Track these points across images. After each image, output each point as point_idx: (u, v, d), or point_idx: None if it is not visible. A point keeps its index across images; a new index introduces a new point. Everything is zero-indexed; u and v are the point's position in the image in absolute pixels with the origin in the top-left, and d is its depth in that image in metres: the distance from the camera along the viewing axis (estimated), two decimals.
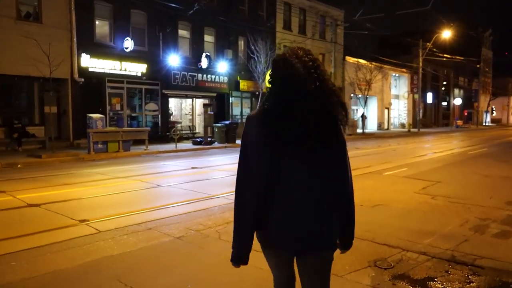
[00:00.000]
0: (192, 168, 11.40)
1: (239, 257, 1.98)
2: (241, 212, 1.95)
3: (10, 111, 16.80)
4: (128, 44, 19.42)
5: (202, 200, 7.12)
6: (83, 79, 18.05)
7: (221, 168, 11.53)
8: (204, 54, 22.96)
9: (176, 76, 22.03)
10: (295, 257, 2.06)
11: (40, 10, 16.96)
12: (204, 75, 23.53)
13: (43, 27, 16.64)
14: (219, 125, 20.81)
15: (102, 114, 18.74)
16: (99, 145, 15.59)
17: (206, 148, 18.67)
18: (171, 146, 18.35)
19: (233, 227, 1.99)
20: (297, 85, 1.85)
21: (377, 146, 20.07)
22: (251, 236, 1.98)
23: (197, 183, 8.86)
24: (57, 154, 14.13)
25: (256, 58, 23.15)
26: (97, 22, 18.99)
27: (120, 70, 19.46)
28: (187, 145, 19.83)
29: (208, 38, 24.10)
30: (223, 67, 24.26)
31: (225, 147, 19.62)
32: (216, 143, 20.39)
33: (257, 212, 1.91)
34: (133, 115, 20.88)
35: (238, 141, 21.10)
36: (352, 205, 2.08)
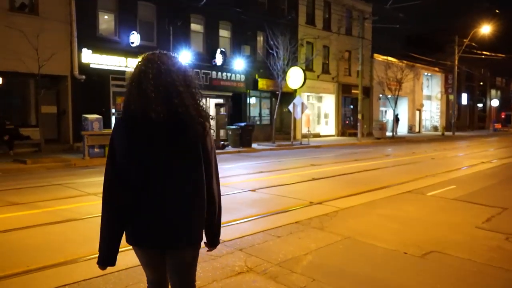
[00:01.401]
0: None
1: (105, 259, 2.03)
2: (106, 214, 2.02)
3: (1, 111, 15.34)
4: (134, 38, 17.72)
5: None
6: (84, 76, 16.44)
7: (232, 180, 9.54)
8: (218, 50, 21.08)
9: None
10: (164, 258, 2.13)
11: (36, 1, 15.43)
12: (219, 73, 21.64)
13: (38, 19, 15.07)
14: (233, 127, 18.86)
15: (106, 115, 17.15)
16: (95, 149, 13.88)
17: (217, 153, 16.69)
18: None
19: (100, 229, 2.03)
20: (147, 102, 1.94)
21: (410, 152, 17.64)
22: (118, 238, 2.04)
23: None
24: (44, 159, 12.47)
25: (275, 55, 21.08)
26: (100, 15, 17.36)
27: (126, 66, 17.76)
28: None
29: (224, 33, 22.19)
30: (239, 64, 22.32)
31: (239, 152, 17.65)
32: (229, 147, 18.45)
33: (122, 214, 2.00)
34: None
35: (255, 145, 19.11)
36: (214, 207, 2.12)
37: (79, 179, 9.71)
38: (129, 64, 17.86)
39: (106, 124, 16.06)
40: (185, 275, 2.15)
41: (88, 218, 5.84)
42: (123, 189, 1.97)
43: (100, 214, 2.02)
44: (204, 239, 2.16)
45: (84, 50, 16.45)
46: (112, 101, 17.81)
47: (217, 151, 15.69)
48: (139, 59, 2.11)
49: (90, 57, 16.65)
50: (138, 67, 2.06)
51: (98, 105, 17.08)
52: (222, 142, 18.02)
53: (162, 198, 1.98)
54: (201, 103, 2.12)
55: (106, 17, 17.69)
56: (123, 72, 17.73)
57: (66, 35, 15.99)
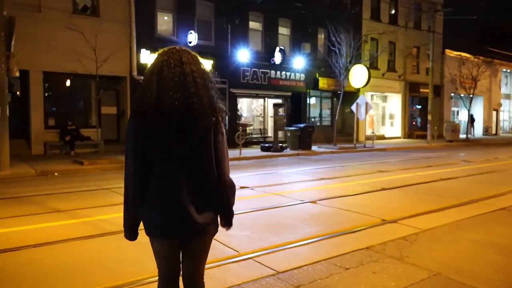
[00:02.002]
0: (242, 187, 8.65)
1: (130, 235, 2.23)
2: (126, 200, 2.15)
3: (64, 112, 15.59)
4: (192, 38, 17.35)
5: (254, 258, 4.30)
6: (142, 77, 16.20)
7: (290, 188, 8.63)
8: (277, 49, 20.21)
9: (246, 73, 19.57)
10: (178, 248, 2.21)
11: (98, 2, 15.51)
12: (278, 72, 20.77)
13: (99, 21, 15.13)
14: (292, 128, 17.90)
15: None
16: None
17: (274, 156, 15.88)
18: (235, 153, 15.85)
19: (123, 212, 2.18)
20: (165, 90, 2.02)
21: (492, 158, 15.62)
22: (136, 223, 2.20)
23: (252, 217, 6.11)
24: (101, 160, 12.32)
25: (337, 52, 19.81)
26: (158, 15, 17.18)
27: None
28: (254, 151, 17.21)
29: (283, 30, 21.29)
30: (299, 62, 21.29)
31: (297, 154, 16.65)
32: (287, 149, 17.51)
33: (137, 202, 2.11)
34: None
35: (314, 148, 18.02)
36: (226, 193, 2.16)
37: None
38: None
39: None
40: (196, 262, 2.24)
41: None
42: (140, 180, 2.07)
43: None
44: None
45: (143, 51, 16.33)
46: None
47: (274, 153, 14.72)
48: (160, 51, 2.17)
49: (148, 58, 16.49)
50: (160, 57, 2.12)
51: None
52: (280, 144, 17.12)
53: (175, 189, 2.05)
54: (216, 97, 2.16)
55: (164, 17, 17.50)
56: None
57: (125, 36, 15.94)
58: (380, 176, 10.35)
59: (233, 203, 2.23)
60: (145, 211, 2.10)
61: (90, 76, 13.55)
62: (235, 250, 4.47)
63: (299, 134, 17.69)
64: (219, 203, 2.16)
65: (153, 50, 16.49)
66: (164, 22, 17.54)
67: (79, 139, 14.76)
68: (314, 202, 7.03)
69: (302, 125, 18.21)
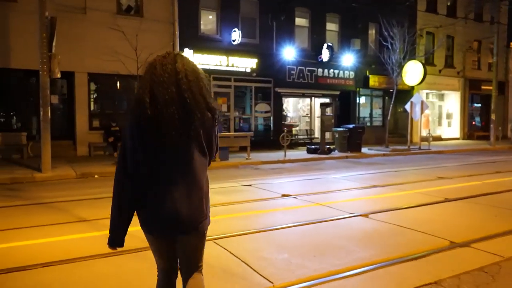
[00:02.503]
0: (284, 195, 7.82)
1: (114, 240, 2.20)
2: (117, 199, 2.16)
3: (109, 113, 15.49)
4: (236, 36, 16.74)
5: None
6: None
7: (337, 197, 7.70)
8: (325, 45, 19.16)
9: (292, 72, 18.70)
10: (172, 244, 2.27)
11: (141, 2, 15.28)
12: (325, 70, 19.71)
13: (143, 21, 14.88)
14: (340, 129, 16.81)
15: None
16: None
17: (321, 159, 14.89)
18: (279, 155, 15.06)
19: (110, 214, 2.17)
20: (160, 92, 2.07)
21: None
22: (127, 221, 2.19)
23: (293, 233, 5.31)
24: None
25: (390, 47, 18.42)
26: (202, 13, 16.72)
27: (227, 66, 16.91)
28: (300, 153, 16.31)
29: (331, 26, 20.18)
30: (348, 59, 20.10)
31: (346, 157, 15.56)
32: (335, 151, 16.45)
33: (131, 199, 2.14)
34: (243, 117, 18.21)
35: (364, 150, 16.84)
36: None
37: None
38: (230, 63, 16.96)
39: None
40: (192, 257, 2.29)
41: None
42: (131, 179, 2.11)
43: None
44: None
45: (186, 50, 15.92)
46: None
47: (321, 156, 13.46)
48: (158, 55, 2.22)
49: (191, 57, 16.02)
50: (155, 58, 2.18)
51: None
52: (328, 146, 16.09)
53: (169, 187, 2.10)
54: (209, 96, 2.17)
55: (208, 15, 17.02)
56: (224, 72, 16.93)
57: (168, 36, 15.60)
58: (441, 184, 9.13)
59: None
60: (140, 208, 2.16)
61: (133, 77, 13.29)
62: (269, 281, 3.67)
63: (348, 135, 16.58)
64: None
65: (196, 49, 16.08)
66: (208, 20, 17.07)
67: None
68: (365, 215, 6.08)
69: (351, 126, 17.07)
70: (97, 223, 5.61)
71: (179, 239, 2.23)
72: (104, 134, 14.66)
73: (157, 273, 2.40)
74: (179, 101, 2.05)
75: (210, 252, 4.37)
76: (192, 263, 2.30)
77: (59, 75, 10.69)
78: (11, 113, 13.71)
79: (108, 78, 15.00)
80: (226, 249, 4.49)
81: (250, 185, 8.68)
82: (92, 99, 15.04)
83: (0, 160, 12.75)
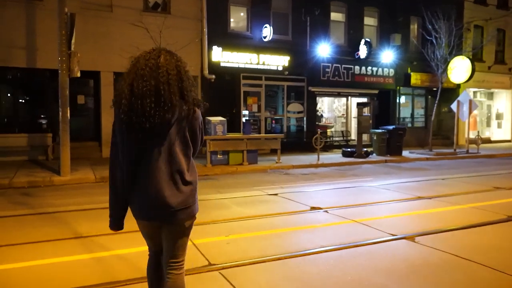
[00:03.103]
0: (313, 208, 6.78)
1: (114, 223, 2.38)
2: (112, 185, 2.32)
3: None
4: (267, 32, 15.81)
5: None
6: (214, 76, 15.16)
7: (374, 212, 6.62)
8: (362, 41, 17.87)
9: (326, 70, 17.55)
10: (159, 229, 2.38)
11: None
12: (363, 68, 18.41)
13: (170, 18, 14.23)
14: (379, 131, 15.51)
15: (237, 116, 15.70)
16: (218, 156, 12.31)
17: (357, 163, 13.70)
18: (312, 158, 14.01)
19: (109, 200, 2.36)
20: (142, 85, 2.18)
21: None
22: (123, 207, 2.36)
23: (321, 263, 4.34)
24: None
25: (434, 41, 16.88)
26: (231, 9, 15.90)
27: (257, 64, 16.01)
28: (335, 156, 15.17)
29: (369, 21, 18.84)
30: (388, 56, 18.69)
31: (385, 161, 14.27)
32: (373, 155, 15.18)
33: (125, 187, 2.28)
34: (275, 117, 17.25)
35: (405, 153, 15.49)
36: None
37: None
38: (261, 61, 16.05)
39: (235, 127, 14.52)
40: (173, 244, 2.36)
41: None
42: (120, 168, 2.25)
43: None
44: None
45: (214, 48, 15.17)
46: (243, 101, 16.23)
47: (357, 160, 12.02)
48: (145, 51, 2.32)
49: (220, 55, 15.31)
50: (141, 53, 2.30)
51: (228, 106, 15.71)
52: (365, 149, 14.85)
53: (152, 175, 2.19)
54: (190, 90, 2.29)
55: (238, 11, 16.19)
56: (255, 70, 16.05)
57: (196, 33, 14.88)
58: (500, 196, 7.80)
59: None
60: (132, 197, 2.29)
61: None
62: None
63: (387, 137, 15.27)
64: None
65: (225, 46, 15.29)
66: (237, 16, 16.24)
67: None
68: (411, 238, 4.97)
69: (391, 127, 15.72)
70: (91, 241, 4.84)
71: (165, 226, 2.33)
72: None
73: (148, 254, 2.57)
74: (155, 93, 2.14)
75: (211, 286, 3.46)
76: (171, 251, 2.37)
77: (78, 74, 10.15)
78: (38, 114, 13.41)
79: None
80: (232, 284, 3.56)
81: (276, 194, 7.72)
82: None
83: (25, 161, 12.45)
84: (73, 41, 10.00)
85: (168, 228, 2.32)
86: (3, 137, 12.64)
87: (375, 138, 15.57)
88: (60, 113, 10.05)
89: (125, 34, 13.59)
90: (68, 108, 10.15)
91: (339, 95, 18.53)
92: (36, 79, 13.37)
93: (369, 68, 18.54)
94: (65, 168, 10.07)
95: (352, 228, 5.45)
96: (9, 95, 13.29)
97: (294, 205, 6.87)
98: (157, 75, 2.17)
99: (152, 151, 2.19)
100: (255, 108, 16.56)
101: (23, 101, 13.47)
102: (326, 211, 6.39)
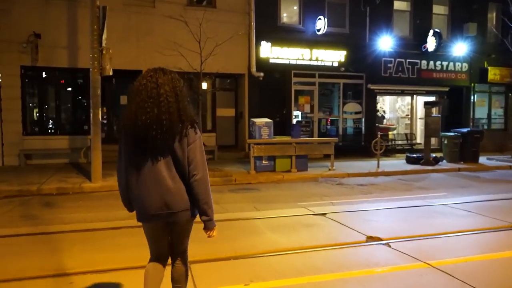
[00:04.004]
0: (370, 239, 5.20)
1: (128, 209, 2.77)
2: (121, 194, 2.70)
3: None
4: (321, 24, 14.20)
5: None
6: (262, 74, 13.86)
7: (452, 247, 4.91)
8: (431, 32, 15.66)
9: (388, 65, 15.57)
10: (163, 231, 2.68)
11: None
12: (431, 62, 16.17)
13: (216, 12, 13.12)
14: (450, 134, 13.32)
15: (287, 117, 14.31)
16: (263, 162, 10.97)
17: (425, 171, 11.70)
18: (371, 165, 12.23)
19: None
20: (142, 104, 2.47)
21: None
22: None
23: None
24: None
25: None
26: (282, 1, 14.47)
27: (310, 60, 14.46)
28: (397, 162, 13.23)
29: (438, 9, 16.52)
30: (460, 48, 16.29)
31: (458, 170, 12.12)
32: (443, 162, 13.03)
33: (127, 196, 2.64)
34: (330, 118, 15.61)
35: (482, 159, 13.24)
36: (199, 188, 2.50)
37: (224, 203, 6.70)
38: (314, 57, 14.49)
39: (285, 129, 13.08)
40: (179, 240, 2.70)
41: None
42: (126, 178, 2.57)
43: None
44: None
45: (263, 43, 13.85)
46: (294, 101, 14.76)
47: (424, 167, 9.41)
48: (143, 74, 2.55)
49: (269, 51, 13.96)
50: (139, 81, 2.53)
51: (278, 106, 14.34)
52: (434, 155, 12.77)
53: (156, 185, 2.47)
54: (187, 108, 2.53)
55: (289, 3, 14.71)
56: (307, 67, 14.53)
57: (244, 27, 13.64)
58: None
59: (206, 196, 2.52)
60: (134, 202, 2.56)
61: (204, 74, 11.59)
62: None
63: (460, 141, 13.06)
64: (194, 197, 2.52)
65: (274, 41, 13.94)
66: (288, 8, 14.78)
67: None
68: None
69: (464, 130, 13.46)
70: (78, 282, 3.68)
71: (170, 226, 2.65)
72: None
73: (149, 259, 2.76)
74: (157, 122, 2.42)
75: None
76: (179, 245, 2.72)
77: (110, 72, 9.29)
78: (79, 115, 12.88)
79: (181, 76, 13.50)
80: None
81: (324, 215, 6.20)
82: None
83: (66, 164, 11.93)
84: (104, 36, 9.14)
85: (174, 228, 2.65)
86: (45, 139, 12.25)
87: (445, 142, 13.39)
88: (92, 115, 9.24)
89: (168, 30, 12.65)
90: (100, 109, 9.32)
91: (402, 93, 16.41)
92: (78, 79, 12.86)
93: (438, 62, 16.26)
94: (96, 174, 9.25)
95: (425, 279, 3.82)
96: (51, 96, 12.88)
97: (346, 232, 5.33)
98: (158, 103, 2.44)
99: (157, 165, 2.46)
100: (307, 108, 15.02)
101: (65, 102, 13.00)
102: (387, 244, 4.79)
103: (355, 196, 8.15)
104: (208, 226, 2.58)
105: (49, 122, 12.71)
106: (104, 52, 9.11)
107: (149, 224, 2.59)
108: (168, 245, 2.71)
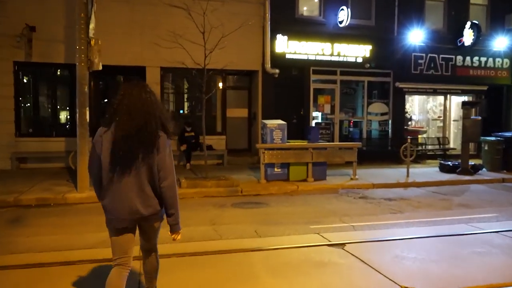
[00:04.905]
0: None
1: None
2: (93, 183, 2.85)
3: (184, 115, 12.81)
4: (344, 16, 12.65)
5: None
6: (277, 70, 12.43)
7: None
8: (468, 24, 13.86)
9: (419, 61, 13.86)
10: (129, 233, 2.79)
11: None
12: (467, 58, 14.36)
13: (227, 2, 11.74)
14: (492, 139, 11.56)
15: (305, 118, 12.87)
16: (275, 170, 9.56)
17: (462, 182, 10.03)
18: (399, 173, 10.65)
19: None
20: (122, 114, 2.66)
21: None
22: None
23: None
24: (206, 181, 8.78)
25: None
26: None
27: (331, 55, 12.94)
28: (429, 170, 11.57)
29: None
30: (501, 43, 14.41)
31: (502, 180, 10.38)
32: (483, 170, 11.29)
33: (100, 196, 2.78)
34: (353, 120, 14.04)
35: None
36: (167, 194, 2.70)
37: (214, 229, 5.32)
38: (335, 52, 12.96)
39: (303, 132, 11.60)
40: (148, 239, 2.89)
41: None
42: (100, 182, 2.73)
43: None
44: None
45: (279, 37, 12.42)
46: (313, 101, 13.25)
47: (462, 178, 9.95)
48: (122, 87, 2.77)
49: (285, 45, 12.52)
50: (121, 94, 2.71)
51: (295, 107, 12.92)
52: (472, 163, 11.05)
53: (128, 190, 2.63)
54: (160, 119, 2.72)
55: None
56: (328, 63, 13.04)
57: (258, 19, 12.22)
58: None
59: (174, 201, 2.73)
60: (107, 206, 2.69)
61: (215, 71, 10.27)
62: None
63: (503, 147, 11.29)
64: (163, 201, 2.72)
65: (292, 35, 12.52)
66: None
67: (197, 148, 11.66)
68: None
69: (508, 134, 11.67)
70: None
71: (140, 226, 2.83)
72: (177, 140, 11.98)
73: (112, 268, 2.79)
74: (131, 132, 2.60)
75: None
76: (148, 244, 2.93)
77: (100, 67, 8.09)
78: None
79: (183, 73, 12.21)
80: None
81: (342, 246, 4.74)
82: (165, 99, 12.48)
83: (61, 169, 10.80)
84: (92, 25, 7.93)
85: (143, 228, 2.82)
86: (40, 141, 11.17)
87: (486, 148, 11.63)
88: (78, 115, 8.08)
89: (174, 23, 11.29)
90: (87, 108, 8.13)
91: (435, 92, 14.64)
92: (75, 76, 11.73)
93: (476, 58, 14.43)
94: (83, 183, 8.04)
95: None
96: (47, 94, 11.81)
97: (371, 279, 3.85)
98: (133, 115, 2.63)
99: (129, 171, 2.62)
100: (327, 109, 13.49)
101: (63, 101, 11.92)
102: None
103: (382, 216, 6.63)
104: (174, 229, 2.77)
105: (45, 122, 11.63)
106: (92, 43, 7.90)
107: (120, 227, 2.69)
108: (133, 250, 2.81)
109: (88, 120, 8.13)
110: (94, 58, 7.91)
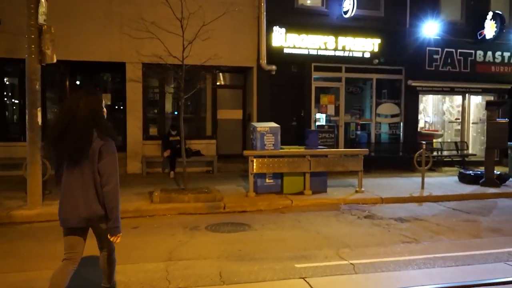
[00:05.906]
0: None
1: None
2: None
3: (169, 117, 11.43)
4: (349, 5, 11.15)
5: None
6: (274, 67, 10.97)
7: None
8: (489, 15, 12.23)
9: (434, 57, 12.26)
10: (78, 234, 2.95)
11: None
12: (488, 53, 12.72)
13: None
14: None
15: (305, 120, 11.42)
16: (266, 180, 8.10)
17: (488, 195, 8.45)
18: (412, 184, 9.12)
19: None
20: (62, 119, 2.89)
21: None
22: None
23: None
24: (182, 196, 7.34)
25: None
26: None
27: (335, 49, 11.43)
28: (446, 180, 9.99)
29: None
30: None
31: None
32: (510, 180, 9.67)
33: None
34: (360, 122, 12.50)
35: None
36: (108, 198, 2.82)
37: (166, 271, 3.89)
38: (339, 46, 11.46)
39: (302, 135, 10.09)
40: (100, 240, 3.00)
41: None
42: (57, 182, 2.93)
43: None
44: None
45: (276, 29, 10.98)
46: (315, 101, 11.75)
47: (486, 190, 8.68)
48: (68, 96, 3.34)
49: (283, 39, 11.06)
50: (65, 102, 3.10)
51: (295, 108, 11.48)
52: (498, 173, 9.44)
53: (72, 192, 2.81)
54: (103, 127, 2.87)
55: None
56: (331, 58, 11.57)
57: (252, 10, 10.83)
58: None
59: (115, 206, 2.83)
60: (59, 207, 2.87)
61: (203, 67, 8.84)
62: None
63: None
64: (105, 204, 2.83)
65: (290, 27, 11.08)
66: None
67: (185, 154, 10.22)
68: None
69: None
70: None
71: (90, 228, 2.97)
72: (161, 145, 10.61)
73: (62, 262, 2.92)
74: (74, 139, 2.77)
75: None
76: (101, 245, 3.03)
77: (54, 60, 6.73)
78: (48, 117, 10.42)
79: (168, 70, 10.82)
80: None
81: None
82: (147, 99, 11.12)
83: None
84: (43, 9, 6.56)
85: (93, 230, 2.96)
86: (6, 146, 9.91)
87: None
88: (27, 117, 6.74)
89: (157, 14, 9.92)
90: (39, 109, 6.77)
91: (452, 91, 12.98)
92: (48, 73, 10.41)
93: (498, 53, 12.78)
94: (34, 197, 6.72)
95: None
96: (15, 94, 10.53)
97: None
98: (76, 123, 2.79)
99: (73, 174, 2.80)
100: (331, 110, 11.97)
101: None
102: None
103: (392, 247, 5.12)
104: (113, 232, 2.86)
105: (12, 125, 10.33)
106: (43, 31, 6.54)
107: (68, 227, 2.84)
108: (83, 250, 2.96)
109: (40, 123, 6.76)
110: (47, 49, 6.55)
